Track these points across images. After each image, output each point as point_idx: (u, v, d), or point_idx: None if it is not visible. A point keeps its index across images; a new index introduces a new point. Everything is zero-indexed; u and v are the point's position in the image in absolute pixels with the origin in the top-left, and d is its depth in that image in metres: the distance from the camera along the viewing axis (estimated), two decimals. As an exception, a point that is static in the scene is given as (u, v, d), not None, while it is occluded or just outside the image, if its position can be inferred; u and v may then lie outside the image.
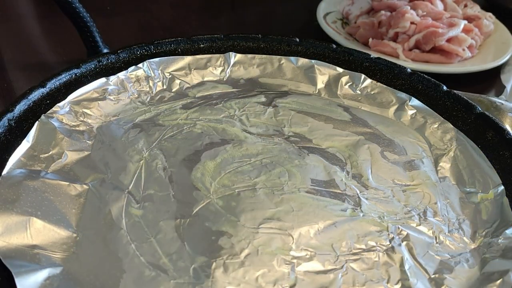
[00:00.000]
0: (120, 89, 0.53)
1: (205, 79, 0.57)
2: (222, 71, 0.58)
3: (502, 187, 0.43)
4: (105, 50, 0.60)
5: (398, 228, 0.40)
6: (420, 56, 0.72)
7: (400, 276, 0.36)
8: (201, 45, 0.60)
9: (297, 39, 0.62)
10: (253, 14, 0.93)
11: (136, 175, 0.43)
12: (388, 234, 0.40)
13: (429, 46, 0.71)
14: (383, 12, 0.77)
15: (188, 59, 0.58)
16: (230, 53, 0.59)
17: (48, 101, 0.48)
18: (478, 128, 0.50)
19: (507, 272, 0.36)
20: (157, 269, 0.35)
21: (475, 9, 0.85)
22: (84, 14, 0.59)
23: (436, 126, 0.52)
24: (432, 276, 0.37)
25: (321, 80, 0.58)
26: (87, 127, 0.47)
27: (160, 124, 0.50)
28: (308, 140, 0.50)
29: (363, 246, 0.39)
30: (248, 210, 0.41)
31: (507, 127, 0.49)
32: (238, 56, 0.59)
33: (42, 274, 0.33)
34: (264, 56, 0.60)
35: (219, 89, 0.56)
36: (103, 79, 0.52)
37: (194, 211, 0.40)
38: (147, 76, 0.55)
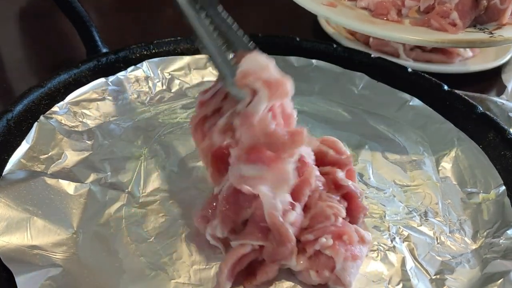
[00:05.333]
0: (120, 89, 0.53)
1: (205, 79, 0.57)
2: (222, 71, 0.58)
3: (504, 187, 0.43)
4: (105, 50, 0.60)
5: (399, 228, 0.40)
6: (421, 55, 0.71)
7: (401, 276, 0.36)
8: (201, 45, 0.60)
9: (297, 39, 0.61)
10: (253, 13, 0.93)
11: (135, 174, 0.43)
12: (389, 234, 0.40)
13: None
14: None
15: (187, 59, 0.57)
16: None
17: (47, 101, 0.48)
18: (479, 128, 0.49)
19: (508, 273, 0.36)
20: (157, 269, 0.35)
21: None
22: (84, 13, 0.58)
23: (437, 126, 0.51)
24: (433, 277, 0.37)
25: (322, 80, 0.58)
26: (86, 128, 0.47)
27: (160, 122, 0.50)
28: (309, 140, 0.49)
29: (364, 247, 0.38)
30: (248, 210, 0.40)
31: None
32: (238, 56, 0.59)
33: (43, 275, 0.33)
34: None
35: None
36: (102, 79, 0.52)
37: (195, 211, 0.40)
38: (146, 77, 0.55)
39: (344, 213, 0.36)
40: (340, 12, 0.55)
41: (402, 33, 0.53)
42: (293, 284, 0.35)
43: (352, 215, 0.38)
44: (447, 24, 0.53)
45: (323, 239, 0.34)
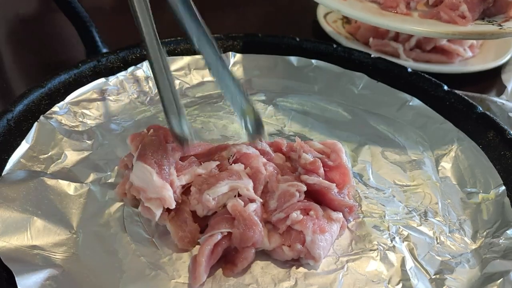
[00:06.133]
0: (120, 89, 0.53)
1: (205, 79, 0.57)
2: (222, 71, 0.58)
3: (503, 187, 0.43)
4: (105, 50, 0.60)
5: (399, 228, 0.40)
6: (421, 55, 0.71)
7: (401, 276, 0.36)
8: (201, 45, 0.60)
9: (297, 39, 0.61)
10: (253, 14, 0.93)
11: (135, 175, 0.43)
12: (389, 234, 0.40)
13: (430, 45, 0.71)
14: (383, 11, 0.77)
15: (187, 59, 0.57)
16: (230, 53, 0.59)
17: (47, 101, 0.48)
18: (479, 128, 0.49)
19: (508, 273, 0.36)
20: (157, 269, 0.35)
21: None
22: (83, 14, 0.58)
23: (437, 126, 0.51)
24: (433, 276, 0.37)
25: (321, 80, 0.58)
26: (86, 127, 0.47)
27: (160, 121, 0.50)
28: (309, 140, 0.50)
29: (364, 246, 0.39)
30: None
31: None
32: (238, 56, 0.59)
33: (43, 275, 0.33)
34: (264, 55, 0.60)
35: (219, 89, 0.56)
36: (102, 80, 0.52)
37: (194, 212, 0.40)
38: (146, 77, 0.55)
39: (305, 187, 0.38)
40: (350, 6, 0.56)
41: (414, 25, 0.54)
42: (268, 262, 0.37)
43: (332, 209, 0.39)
44: (457, 17, 0.54)
45: (294, 214, 0.36)
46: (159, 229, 0.38)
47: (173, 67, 0.57)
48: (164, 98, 0.38)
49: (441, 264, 0.38)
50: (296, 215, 0.36)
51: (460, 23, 0.54)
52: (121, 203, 0.40)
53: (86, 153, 0.44)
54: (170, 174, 0.37)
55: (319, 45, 0.61)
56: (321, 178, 0.39)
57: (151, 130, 0.41)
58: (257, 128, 0.42)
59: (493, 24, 0.55)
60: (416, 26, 0.54)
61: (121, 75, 0.53)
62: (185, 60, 0.57)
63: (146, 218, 0.39)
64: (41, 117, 0.45)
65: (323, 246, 0.36)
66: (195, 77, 0.57)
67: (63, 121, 0.46)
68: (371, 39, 0.74)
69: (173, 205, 0.36)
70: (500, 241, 0.39)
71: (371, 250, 0.38)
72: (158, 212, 0.36)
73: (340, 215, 0.39)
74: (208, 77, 0.57)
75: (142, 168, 0.37)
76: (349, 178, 0.41)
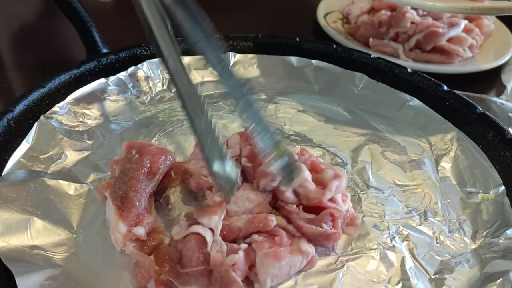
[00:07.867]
0: (120, 89, 0.53)
1: (205, 79, 0.57)
2: (222, 71, 0.58)
3: (503, 187, 0.43)
4: (105, 50, 0.60)
5: (399, 228, 0.40)
6: (421, 56, 0.72)
7: (401, 276, 0.36)
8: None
9: (297, 39, 0.61)
10: (253, 14, 0.93)
11: (136, 175, 0.43)
12: (389, 234, 0.40)
13: (430, 46, 0.71)
14: (383, 11, 0.77)
15: (187, 59, 0.57)
16: (230, 53, 0.59)
17: (47, 101, 0.48)
18: (479, 128, 0.49)
19: (508, 273, 0.36)
20: (157, 269, 0.35)
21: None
22: (84, 14, 0.58)
23: (437, 126, 0.51)
24: (433, 276, 0.37)
25: (322, 80, 0.58)
26: (87, 127, 0.47)
27: (160, 121, 0.50)
28: (309, 139, 0.50)
29: (364, 246, 0.39)
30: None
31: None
32: (238, 56, 0.59)
33: (43, 275, 0.33)
34: (264, 56, 0.60)
35: (219, 89, 0.56)
36: (102, 80, 0.52)
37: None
38: (146, 77, 0.55)
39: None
40: None
41: (432, 2, 0.57)
42: None
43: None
44: None
45: (256, 236, 0.35)
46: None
47: (173, 67, 0.57)
48: (197, 129, 0.33)
49: (440, 264, 0.38)
50: (257, 236, 0.35)
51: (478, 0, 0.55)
52: (121, 203, 0.40)
53: (86, 153, 0.45)
54: (137, 216, 0.35)
55: (319, 45, 0.61)
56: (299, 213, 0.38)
57: (133, 152, 0.37)
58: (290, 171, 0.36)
59: (509, 0, 0.57)
60: (434, 2, 0.56)
61: (121, 75, 0.53)
62: (185, 60, 0.57)
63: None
64: (42, 117, 0.45)
65: (273, 273, 0.34)
66: (195, 77, 0.57)
67: (63, 121, 0.46)
68: (371, 39, 0.74)
69: (118, 248, 0.35)
70: (500, 241, 0.39)
71: (371, 249, 0.38)
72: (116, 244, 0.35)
73: (312, 249, 0.36)
74: (208, 77, 0.57)
75: (109, 203, 0.36)
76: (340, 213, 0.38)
